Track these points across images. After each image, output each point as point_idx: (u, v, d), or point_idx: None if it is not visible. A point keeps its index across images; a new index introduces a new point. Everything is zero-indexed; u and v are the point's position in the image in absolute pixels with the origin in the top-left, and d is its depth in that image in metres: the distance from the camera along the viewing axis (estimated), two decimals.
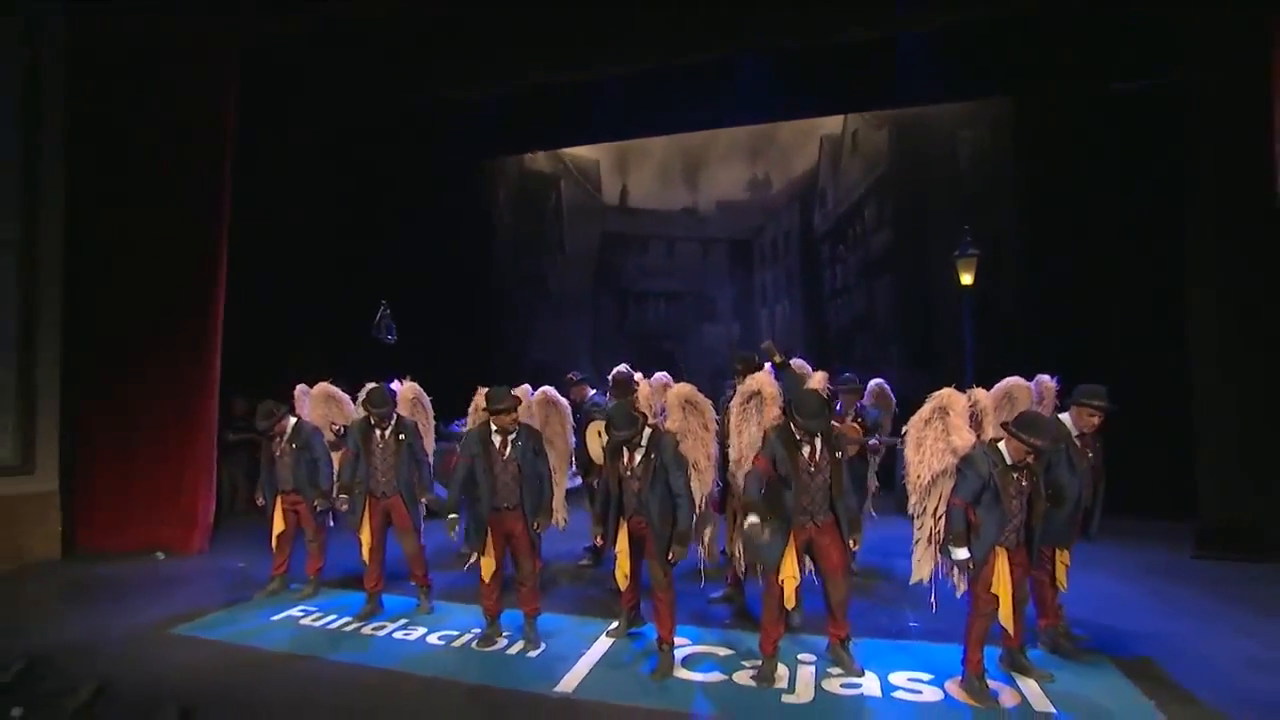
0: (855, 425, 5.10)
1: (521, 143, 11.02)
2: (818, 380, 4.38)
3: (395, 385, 6.21)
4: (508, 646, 4.38)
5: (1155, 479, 7.30)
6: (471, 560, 4.47)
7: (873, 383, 5.98)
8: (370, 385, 5.03)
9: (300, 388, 5.80)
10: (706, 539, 4.72)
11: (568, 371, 11.51)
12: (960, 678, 3.62)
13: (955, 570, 3.61)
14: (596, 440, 5.65)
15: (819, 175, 10.77)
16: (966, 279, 8.07)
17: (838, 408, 5.47)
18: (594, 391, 6.55)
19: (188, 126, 7.10)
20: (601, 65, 7.60)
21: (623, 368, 6.30)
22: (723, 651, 4.21)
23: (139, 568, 6.36)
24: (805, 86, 8.62)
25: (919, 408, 4.05)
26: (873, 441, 5.31)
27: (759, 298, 11.15)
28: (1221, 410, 6.25)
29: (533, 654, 4.27)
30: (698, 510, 4.31)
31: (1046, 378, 4.51)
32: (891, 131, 10.28)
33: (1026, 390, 4.42)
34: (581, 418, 6.16)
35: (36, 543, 6.39)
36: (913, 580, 4.02)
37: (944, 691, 3.61)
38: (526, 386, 6.32)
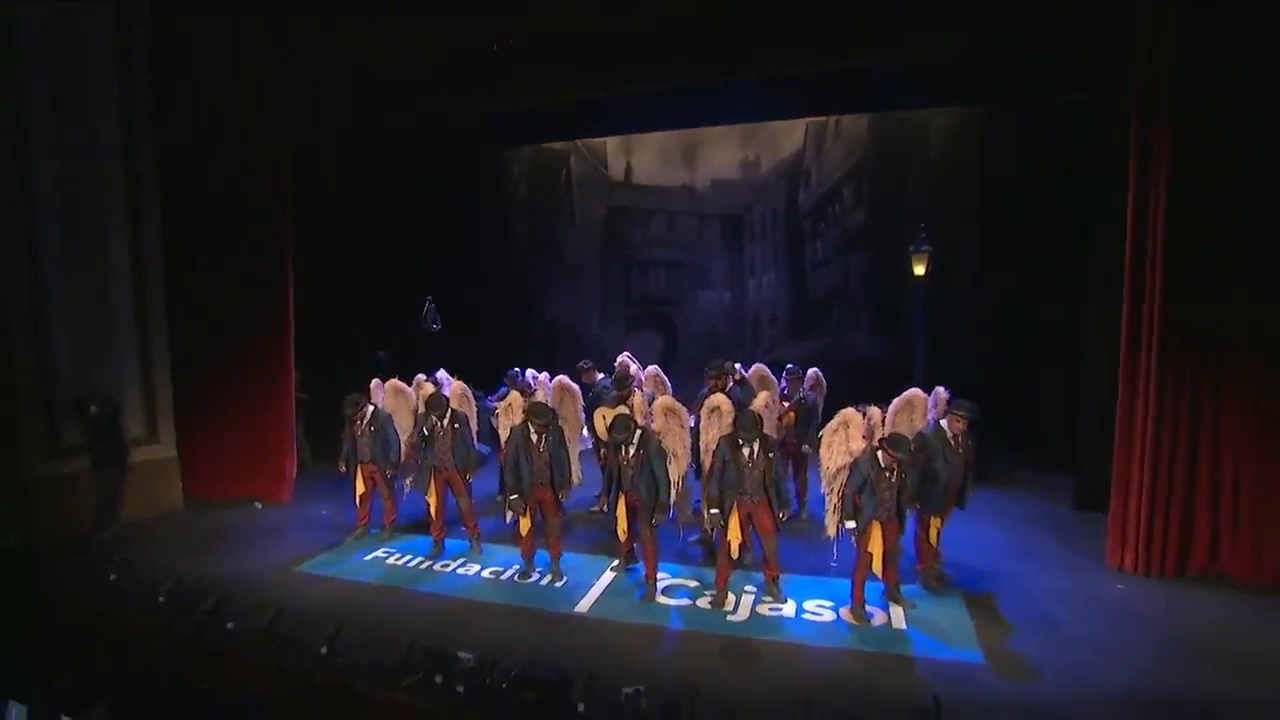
0: (792, 414, 6.70)
1: (536, 136, 12.20)
2: (761, 400, 5.91)
3: (443, 374, 7.84)
4: (539, 579, 6.13)
5: (1067, 439, 8.84)
6: (510, 518, 6.19)
7: (811, 371, 7.49)
8: (430, 392, 6.62)
9: (375, 382, 7.38)
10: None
11: (579, 329, 13.29)
12: (849, 605, 5.32)
13: (850, 534, 5.25)
14: (602, 422, 7.23)
15: (804, 158, 11.87)
16: (919, 270, 9.37)
17: (783, 389, 7.16)
18: (602, 376, 8.08)
19: (254, 139, 8.23)
20: (614, 84, 8.77)
21: (624, 359, 7.80)
22: (691, 583, 5.94)
23: (245, 515, 8.10)
24: (790, 95, 9.75)
25: (886, 370, 5.59)
26: (805, 448, 7.11)
27: (748, 268, 12.46)
28: (1099, 382, 7.44)
29: (558, 585, 6.02)
30: (676, 487, 5.94)
31: (941, 389, 6.00)
32: (870, 120, 11.30)
33: (923, 399, 5.96)
34: (592, 398, 7.75)
35: (165, 497, 8.13)
36: (824, 535, 5.69)
37: (837, 614, 5.33)
38: (545, 374, 7.96)
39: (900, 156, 11.23)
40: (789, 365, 7.52)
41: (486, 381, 9.91)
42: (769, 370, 7.00)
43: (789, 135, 11.84)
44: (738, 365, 7.02)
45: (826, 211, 11.86)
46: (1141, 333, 6.00)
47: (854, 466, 5.13)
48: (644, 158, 12.62)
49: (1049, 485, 8.54)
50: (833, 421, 5.49)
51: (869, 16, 7.82)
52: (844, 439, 5.32)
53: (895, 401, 5.96)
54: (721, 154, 12.22)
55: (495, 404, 7.96)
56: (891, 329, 11.40)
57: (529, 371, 8.46)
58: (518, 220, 13.53)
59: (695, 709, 3.88)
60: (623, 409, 6.63)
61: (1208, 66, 5.64)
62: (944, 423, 5.65)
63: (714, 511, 5.37)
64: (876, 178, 11.43)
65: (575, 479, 7.12)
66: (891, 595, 5.48)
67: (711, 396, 5.93)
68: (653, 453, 5.57)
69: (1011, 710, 4.14)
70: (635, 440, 5.57)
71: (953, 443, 5.61)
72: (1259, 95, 5.56)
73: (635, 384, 7.29)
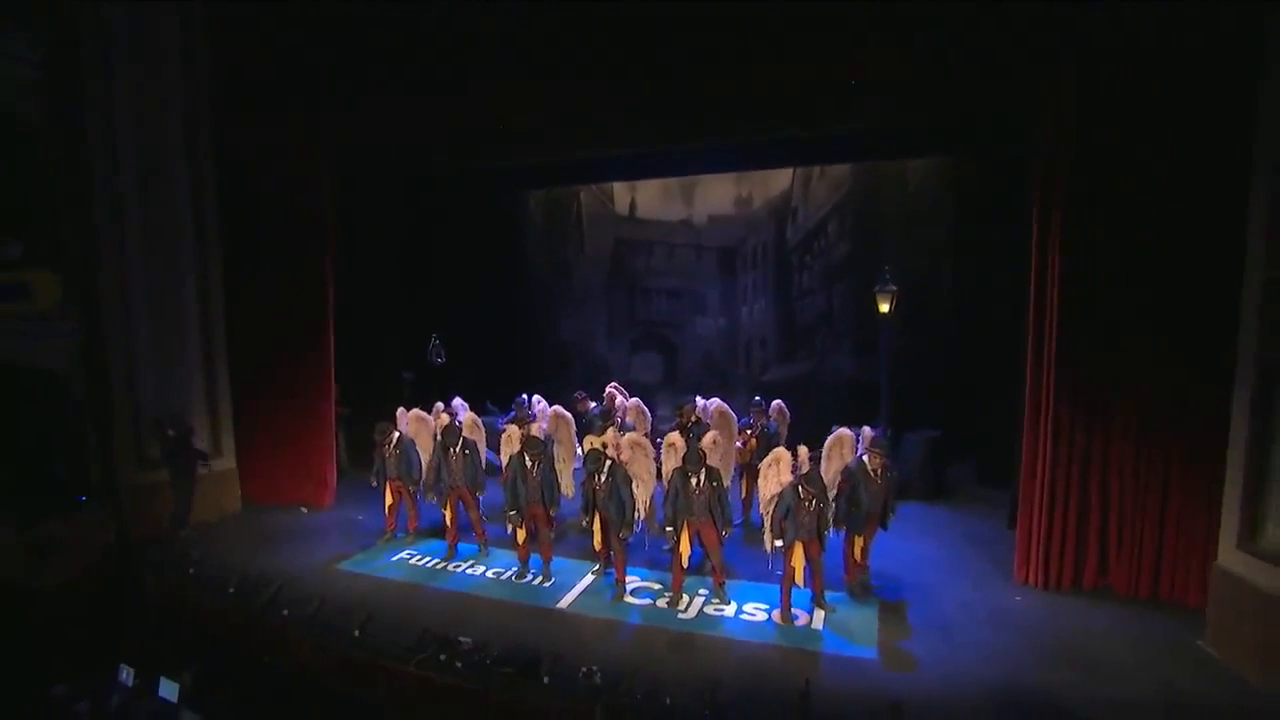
0: (754, 441, 7.87)
1: (548, 181, 13.53)
2: (708, 440, 7.10)
3: (458, 402, 9.16)
4: (532, 580, 7.38)
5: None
6: (511, 530, 7.48)
7: (774, 403, 8.62)
8: (446, 423, 7.94)
9: (400, 411, 8.73)
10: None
11: (587, 349, 14.65)
12: (778, 608, 6.47)
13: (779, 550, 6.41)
14: (590, 447, 8.49)
15: (792, 197, 12.94)
16: (884, 308, 10.39)
17: (749, 420, 8.30)
18: (594, 404, 9.33)
19: (301, 195, 9.55)
20: (616, 146, 10.04)
21: (611, 390, 9.05)
22: (655, 586, 7.14)
23: (293, 518, 9.53)
24: (776, 151, 10.95)
25: (864, 389, 6.65)
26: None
27: (740, 296, 13.58)
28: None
29: (546, 585, 7.27)
30: (645, 506, 7.16)
31: (868, 428, 7.10)
32: (852, 164, 12.31)
33: (850, 437, 7.07)
34: (584, 425, 9.00)
35: (227, 502, 9.63)
36: (766, 551, 6.83)
37: (769, 616, 6.48)
38: (544, 403, 9.23)
39: (879, 196, 12.24)
40: (755, 398, 8.67)
41: (502, 393, 11.30)
42: (729, 407, 8.20)
43: (778, 176, 12.91)
44: (703, 403, 8.24)
45: (812, 245, 12.91)
46: (1043, 376, 6.96)
47: (781, 496, 6.28)
48: (647, 195, 13.81)
49: (998, 503, 9.45)
50: (768, 458, 6.65)
51: (844, 91, 8.85)
52: (776, 473, 6.48)
53: (829, 440, 7.10)
54: (717, 192, 13.35)
55: (504, 425, 9.26)
56: (870, 352, 12.39)
57: (535, 397, 9.76)
58: (533, 250, 14.84)
59: (632, 685, 5.10)
60: (607, 436, 7.88)
61: (1100, 138, 6.47)
62: (865, 458, 6.74)
63: (669, 529, 6.59)
64: (857, 215, 12.45)
65: (569, 493, 8.45)
66: (817, 601, 6.61)
67: (670, 434, 7.15)
68: (620, 480, 6.79)
69: (886, 695, 5.21)
70: (605, 469, 6.80)
71: (873, 474, 6.70)
72: (1148, 166, 6.34)
73: (620, 414, 8.54)
